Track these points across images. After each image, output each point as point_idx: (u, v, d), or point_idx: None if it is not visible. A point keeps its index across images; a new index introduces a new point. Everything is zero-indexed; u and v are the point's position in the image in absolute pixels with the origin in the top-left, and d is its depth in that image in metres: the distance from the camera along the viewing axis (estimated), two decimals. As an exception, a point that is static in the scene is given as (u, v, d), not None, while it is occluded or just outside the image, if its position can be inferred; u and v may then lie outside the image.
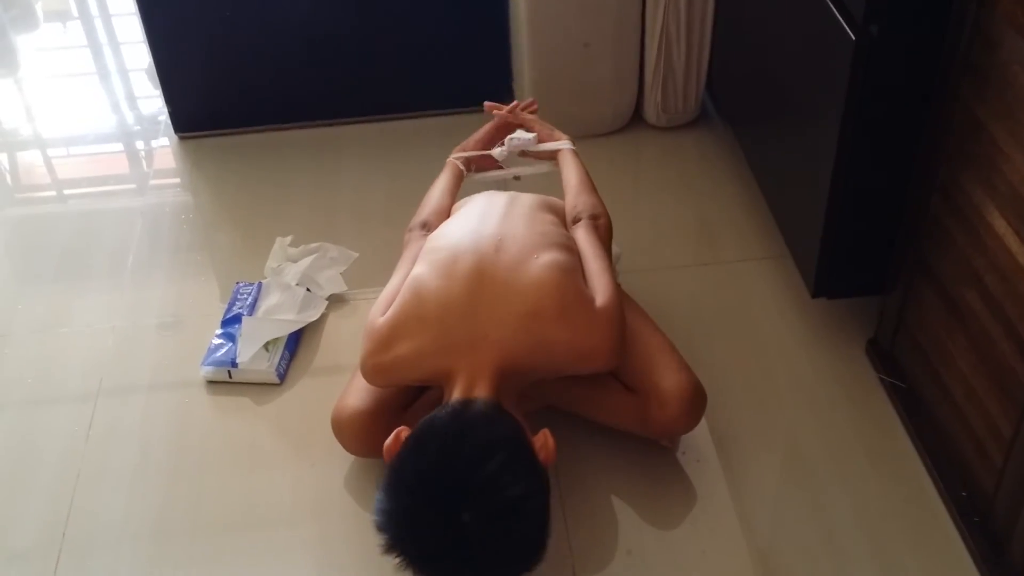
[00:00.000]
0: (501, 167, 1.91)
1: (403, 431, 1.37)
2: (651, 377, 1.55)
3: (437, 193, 1.77)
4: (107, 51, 2.97)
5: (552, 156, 1.84)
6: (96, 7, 3.18)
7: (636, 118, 2.41)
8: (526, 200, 1.69)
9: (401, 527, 1.27)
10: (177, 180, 2.41)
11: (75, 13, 3.18)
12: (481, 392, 1.39)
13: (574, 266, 1.53)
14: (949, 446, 1.57)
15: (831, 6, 1.53)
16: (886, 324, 1.74)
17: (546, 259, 1.49)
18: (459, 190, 1.81)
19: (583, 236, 1.63)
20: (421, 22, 2.35)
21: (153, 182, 2.40)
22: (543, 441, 1.36)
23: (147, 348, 1.91)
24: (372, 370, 1.48)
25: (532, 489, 1.28)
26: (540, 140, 1.86)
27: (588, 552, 1.52)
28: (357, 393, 1.58)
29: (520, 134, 1.86)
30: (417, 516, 1.26)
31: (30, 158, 2.56)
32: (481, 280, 1.47)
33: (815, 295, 1.78)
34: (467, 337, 1.43)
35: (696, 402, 1.55)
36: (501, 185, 1.90)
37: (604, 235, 1.66)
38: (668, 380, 1.54)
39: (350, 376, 1.63)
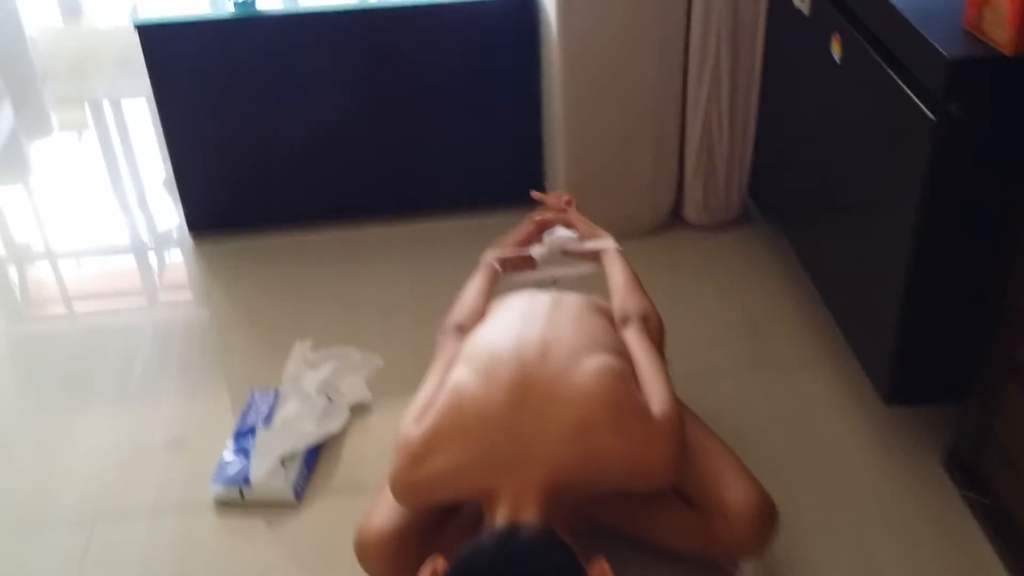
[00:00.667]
0: (538, 268, 1.77)
1: (439, 561, 1.20)
2: (715, 491, 1.40)
3: (472, 294, 1.63)
4: (121, 161, 2.89)
5: (595, 256, 1.71)
6: (112, 117, 3.12)
7: (676, 217, 2.29)
8: (571, 301, 1.55)
9: None
10: (190, 287, 2.30)
11: (90, 123, 3.12)
12: (528, 515, 1.23)
13: (627, 372, 1.38)
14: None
15: (904, 87, 1.41)
16: (967, 433, 1.58)
17: (596, 364, 1.34)
18: (494, 292, 1.68)
19: (634, 339, 1.49)
20: (450, 118, 2.26)
21: (165, 291, 2.29)
22: (600, 572, 1.19)
23: (152, 468, 1.76)
24: (405, 489, 1.32)
25: None
26: (582, 238, 1.72)
27: None
28: (384, 512, 1.41)
29: (561, 232, 1.73)
30: None
31: (40, 271, 2.44)
32: (526, 389, 1.32)
33: (889, 403, 1.62)
34: (512, 452, 1.27)
35: (767, 519, 1.39)
36: (540, 287, 1.76)
37: (656, 337, 1.52)
38: (735, 494, 1.39)
39: (376, 493, 1.47)
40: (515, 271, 1.75)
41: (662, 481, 1.30)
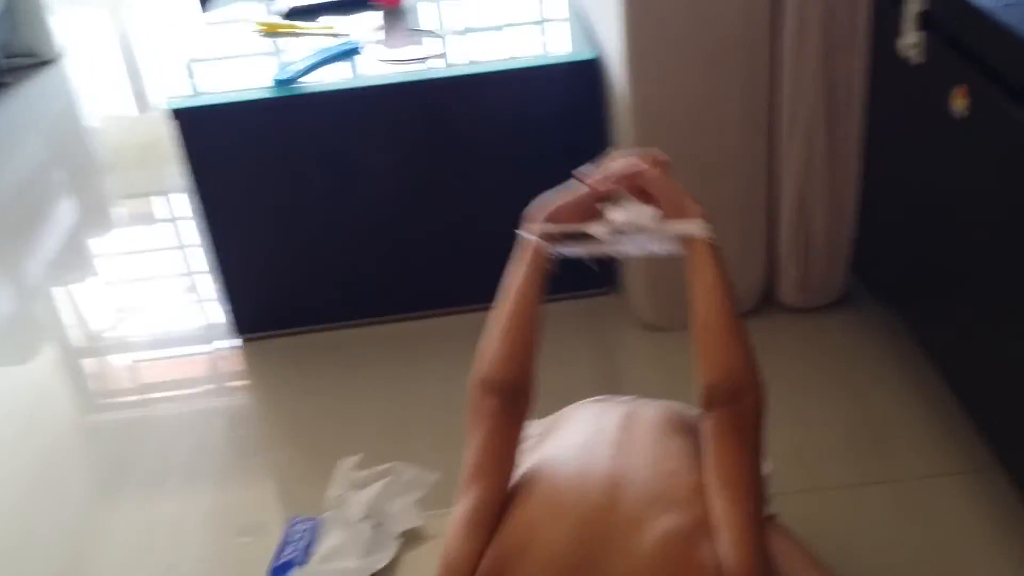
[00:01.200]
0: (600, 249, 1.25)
1: None
2: None
3: (512, 320, 1.18)
4: (180, 254, 2.74)
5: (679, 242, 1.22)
6: (174, 208, 2.99)
7: (769, 300, 2.03)
8: (647, 420, 1.26)
9: None
10: (233, 389, 2.10)
11: (154, 214, 2.99)
12: None
13: (698, 530, 1.07)
14: None
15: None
16: None
17: (662, 530, 1.07)
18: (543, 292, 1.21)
19: (715, 440, 1.11)
20: (513, 200, 2.04)
21: (205, 398, 2.08)
22: None
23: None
24: None
25: None
26: (664, 217, 1.20)
27: None
28: None
29: (635, 207, 1.21)
30: None
31: (75, 368, 2.28)
32: (589, 543, 1.07)
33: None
34: None
35: None
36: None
37: (753, 424, 1.13)
38: None
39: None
40: (567, 246, 1.25)
41: None
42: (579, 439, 1.23)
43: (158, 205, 3.01)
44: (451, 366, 1.97)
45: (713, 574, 1.02)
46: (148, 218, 2.97)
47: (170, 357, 2.26)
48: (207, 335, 2.28)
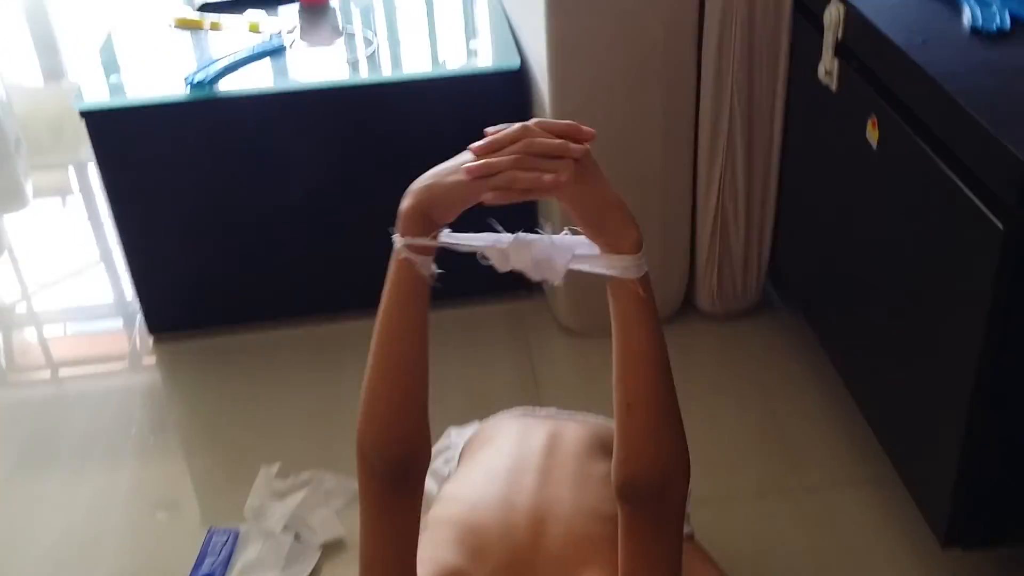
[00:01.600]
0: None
1: None
2: None
3: (387, 374, 0.97)
4: (90, 230, 2.68)
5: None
6: (78, 185, 2.92)
7: (687, 306, 2.07)
8: (571, 440, 1.26)
9: None
10: (147, 389, 2.06)
11: (72, 188, 2.91)
12: None
13: None
14: None
15: (963, 187, 1.20)
16: (1043, 583, 1.34)
17: None
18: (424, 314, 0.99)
19: (631, 538, 0.97)
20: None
21: (118, 390, 2.05)
22: None
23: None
24: None
25: None
26: (596, 243, 0.94)
27: None
28: None
29: (554, 239, 0.97)
30: None
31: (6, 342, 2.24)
32: None
33: (946, 544, 1.39)
34: None
35: None
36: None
37: (676, 516, 0.98)
38: None
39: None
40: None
41: None
42: (505, 463, 1.23)
43: (73, 179, 2.94)
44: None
45: None
46: (63, 192, 2.90)
47: (82, 335, 2.25)
48: (120, 326, 2.25)
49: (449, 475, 1.31)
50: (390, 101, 1.93)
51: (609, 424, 1.11)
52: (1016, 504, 1.34)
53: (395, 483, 0.95)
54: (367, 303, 2.15)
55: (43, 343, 2.27)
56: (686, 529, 1.33)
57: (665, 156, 1.87)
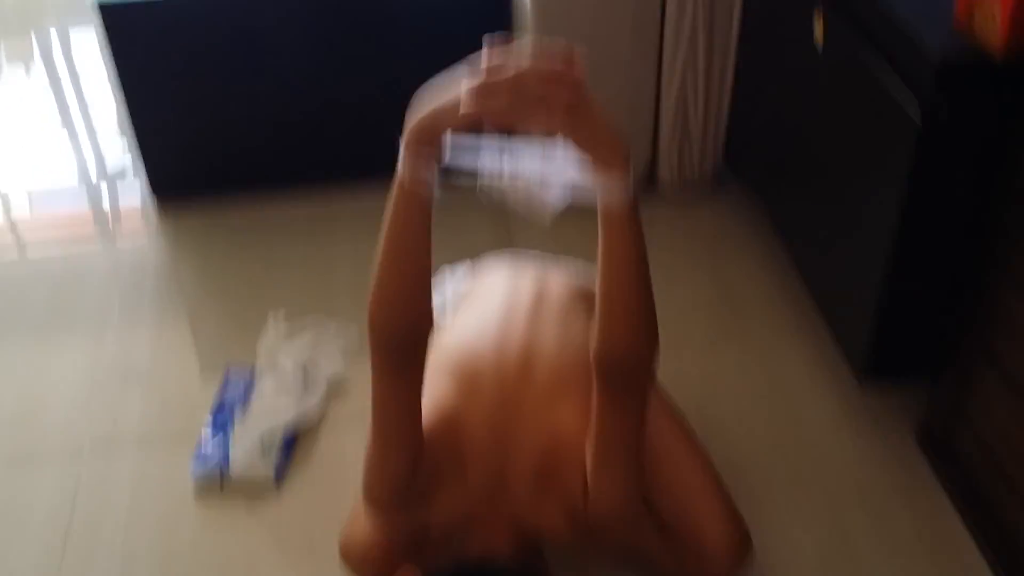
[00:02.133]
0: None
1: (408, 572, 1.20)
2: (694, 524, 1.35)
3: (394, 266, 1.10)
4: (72, 98, 2.81)
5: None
6: (59, 51, 3.03)
7: (649, 183, 2.28)
8: (556, 294, 1.46)
9: None
10: (159, 247, 2.24)
11: (38, 57, 3.01)
12: (500, 547, 1.24)
13: (581, 446, 1.22)
14: (1017, 545, 1.43)
15: (888, 82, 1.41)
16: (939, 410, 1.61)
17: (560, 420, 1.25)
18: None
19: (602, 411, 1.15)
20: (417, 82, 2.20)
21: (132, 249, 2.24)
22: None
23: (128, 438, 1.74)
24: (389, 527, 1.27)
25: None
26: (585, 156, 1.02)
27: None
28: (367, 523, 1.36)
29: (537, 149, 1.06)
30: None
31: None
32: (507, 410, 1.27)
33: (862, 379, 1.65)
34: (491, 485, 1.24)
35: (743, 556, 1.37)
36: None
37: (642, 395, 1.17)
38: (713, 530, 1.35)
39: (357, 498, 1.45)
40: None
41: (612, 543, 1.29)
42: (496, 313, 1.42)
43: (44, 45, 3.05)
44: (362, 228, 2.15)
45: (579, 495, 1.20)
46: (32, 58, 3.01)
47: (89, 207, 2.40)
48: (126, 191, 2.41)
49: (443, 327, 1.48)
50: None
51: (590, 270, 1.21)
52: (917, 345, 1.59)
53: (403, 355, 1.12)
54: (359, 172, 2.36)
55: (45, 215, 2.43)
56: None
57: (633, 47, 2.05)
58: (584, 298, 1.46)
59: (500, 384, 1.29)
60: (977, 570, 1.49)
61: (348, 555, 1.39)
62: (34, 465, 1.70)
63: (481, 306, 1.48)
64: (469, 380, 1.29)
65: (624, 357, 1.11)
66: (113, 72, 2.13)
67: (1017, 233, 1.34)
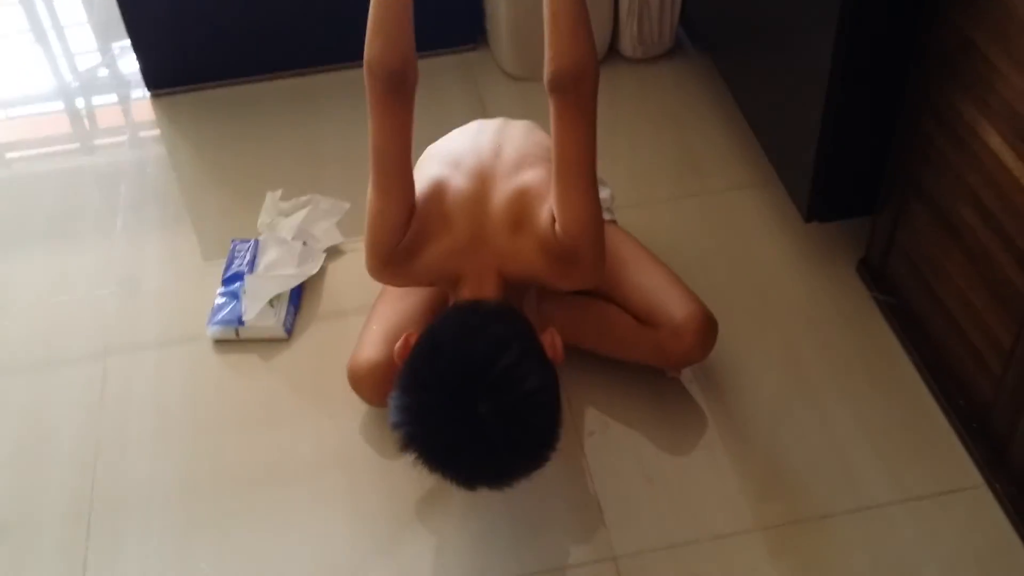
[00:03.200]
0: None
1: (412, 335, 1.40)
2: (663, 310, 1.59)
3: (386, 10, 1.36)
4: (42, 6, 2.90)
5: None
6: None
7: (612, 51, 2.42)
8: (519, 122, 1.69)
9: (417, 422, 1.29)
10: (155, 139, 2.38)
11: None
12: (489, 293, 1.44)
13: (546, 192, 1.47)
14: (945, 358, 1.64)
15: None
16: (877, 243, 1.79)
17: (526, 178, 1.49)
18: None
19: (559, 120, 1.35)
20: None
21: (130, 143, 2.37)
22: (551, 340, 1.40)
23: (149, 312, 1.91)
24: (390, 278, 1.51)
25: (546, 382, 1.32)
26: None
27: (609, 484, 1.57)
28: (372, 345, 1.60)
29: None
30: (433, 410, 1.28)
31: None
32: (483, 180, 1.50)
33: (808, 220, 1.82)
34: (474, 236, 1.45)
35: (709, 331, 1.59)
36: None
37: (591, 104, 1.36)
38: (680, 312, 1.58)
39: (361, 328, 1.65)
40: None
41: (585, 284, 1.50)
42: (468, 130, 1.67)
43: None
44: (350, 112, 2.31)
45: (549, 227, 1.42)
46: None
47: (82, 108, 2.51)
48: (116, 88, 2.54)
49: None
50: None
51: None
52: (857, 184, 1.76)
53: (394, 88, 1.36)
54: (340, 57, 2.47)
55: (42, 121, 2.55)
56: (608, 216, 1.76)
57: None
58: (542, 143, 1.63)
59: (477, 161, 1.54)
60: (910, 380, 1.69)
61: (356, 378, 1.60)
62: (61, 350, 1.86)
63: (454, 134, 1.70)
64: (450, 161, 1.54)
65: (572, 66, 1.32)
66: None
67: (937, 69, 1.50)
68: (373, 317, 1.66)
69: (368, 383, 1.59)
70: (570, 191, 1.38)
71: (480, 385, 1.26)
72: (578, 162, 1.37)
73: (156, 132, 2.39)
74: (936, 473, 1.56)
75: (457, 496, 1.52)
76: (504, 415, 1.26)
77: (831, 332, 1.79)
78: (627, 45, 2.38)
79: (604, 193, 1.79)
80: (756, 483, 1.57)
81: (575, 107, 1.34)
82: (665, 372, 1.68)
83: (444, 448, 1.29)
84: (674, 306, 1.59)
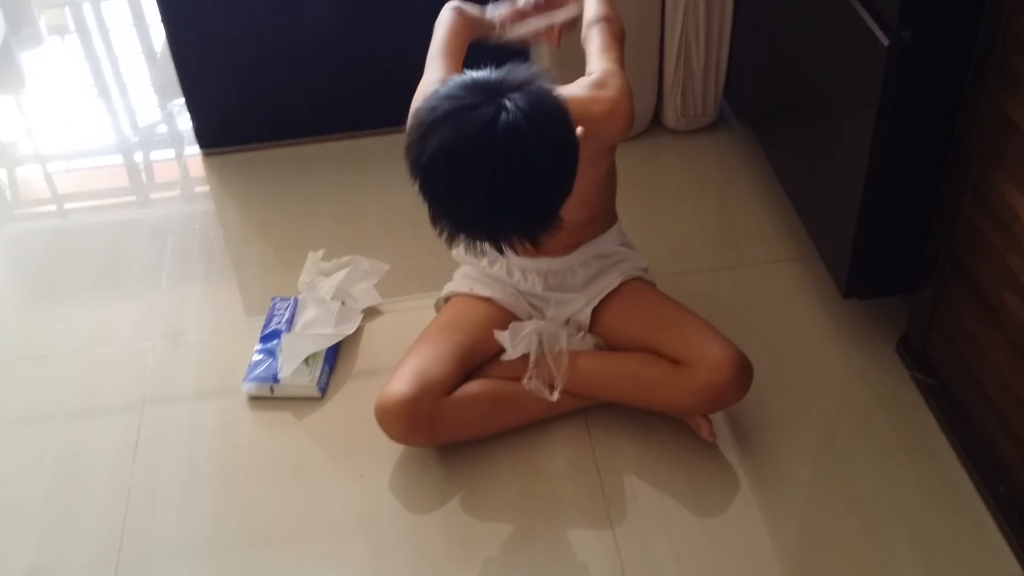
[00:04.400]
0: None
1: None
2: (700, 347, 1.62)
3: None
4: (106, 65, 3.01)
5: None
6: (94, 21, 3.22)
7: (655, 122, 2.44)
8: None
9: (442, 114, 1.29)
10: (205, 196, 2.43)
11: (72, 27, 3.20)
12: None
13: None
14: (986, 443, 1.60)
15: (862, 10, 1.56)
16: (917, 322, 1.77)
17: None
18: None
19: (594, 34, 1.62)
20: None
21: (181, 198, 2.43)
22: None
23: (187, 365, 1.94)
24: None
25: (565, 109, 1.34)
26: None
27: (637, 558, 1.55)
28: (402, 380, 1.62)
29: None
30: (457, 105, 1.29)
31: (33, 172, 2.59)
32: None
33: (846, 296, 1.81)
34: None
35: (746, 369, 1.61)
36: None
37: (618, 37, 1.64)
38: (718, 348, 1.61)
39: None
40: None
41: (617, 109, 1.52)
42: None
43: (78, 15, 3.22)
44: (392, 176, 2.35)
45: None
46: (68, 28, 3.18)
47: (138, 163, 2.58)
48: (170, 145, 2.60)
49: None
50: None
51: None
52: (896, 262, 1.75)
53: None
54: (386, 122, 2.53)
55: (95, 172, 2.63)
56: (648, 276, 1.80)
57: (638, -3, 2.20)
58: None
59: None
60: (948, 463, 1.65)
61: (382, 411, 1.61)
62: (99, 400, 1.89)
63: None
64: None
65: (599, 13, 1.63)
66: (164, 24, 2.31)
67: (979, 150, 1.49)
68: (410, 354, 1.69)
69: (393, 416, 1.61)
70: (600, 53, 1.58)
71: (505, 89, 1.30)
72: (610, 51, 1.60)
73: (206, 189, 2.44)
74: (973, 561, 1.52)
75: (481, 559, 1.52)
76: (527, 99, 1.28)
77: (869, 411, 1.76)
78: (671, 117, 2.40)
79: (642, 263, 1.81)
80: (787, 562, 1.53)
81: (607, 29, 1.61)
82: (699, 431, 1.66)
83: (473, 125, 1.27)
84: (711, 346, 1.62)
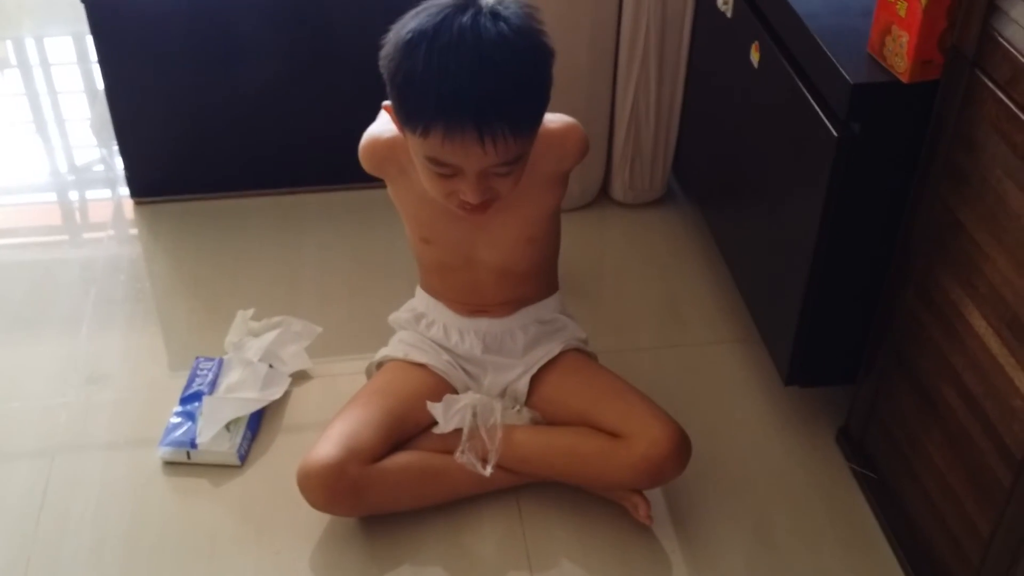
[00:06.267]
0: None
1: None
2: (640, 420, 1.60)
3: None
4: (46, 101, 2.92)
5: None
6: (36, 57, 3.13)
7: (603, 194, 2.41)
8: None
9: (421, 27, 1.34)
10: (134, 243, 2.34)
11: (13, 61, 3.12)
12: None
13: None
14: (923, 541, 1.57)
15: (812, 102, 1.55)
16: (857, 413, 1.74)
17: None
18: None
19: None
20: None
21: (110, 242, 2.33)
22: None
23: (100, 424, 1.84)
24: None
25: (539, 20, 1.44)
26: None
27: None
28: (329, 443, 1.55)
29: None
30: (437, 14, 1.35)
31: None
32: None
33: (788, 383, 1.78)
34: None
35: (685, 444, 1.59)
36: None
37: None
38: (656, 422, 1.59)
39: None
40: None
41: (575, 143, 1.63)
42: None
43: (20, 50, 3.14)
44: (329, 236, 2.30)
45: None
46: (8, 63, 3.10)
47: (69, 203, 2.50)
48: (105, 186, 2.51)
49: None
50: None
51: None
52: (839, 352, 1.73)
53: None
54: (324, 179, 2.47)
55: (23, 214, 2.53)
56: (588, 348, 1.78)
57: (590, 69, 2.17)
58: None
59: None
60: (885, 560, 1.62)
61: (305, 477, 1.54)
62: (5, 456, 1.79)
63: None
64: None
65: None
66: (102, 71, 2.24)
67: (924, 246, 1.48)
68: (338, 417, 1.62)
69: (316, 481, 1.53)
70: None
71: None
72: None
73: (136, 235, 2.35)
74: (908, 666, 1.48)
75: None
76: (504, 8, 1.37)
77: (807, 501, 1.72)
78: (618, 189, 2.38)
79: (581, 335, 1.77)
80: (718, 662, 1.48)
81: None
82: (636, 512, 1.61)
83: (457, 30, 1.33)
84: (650, 419, 1.59)
